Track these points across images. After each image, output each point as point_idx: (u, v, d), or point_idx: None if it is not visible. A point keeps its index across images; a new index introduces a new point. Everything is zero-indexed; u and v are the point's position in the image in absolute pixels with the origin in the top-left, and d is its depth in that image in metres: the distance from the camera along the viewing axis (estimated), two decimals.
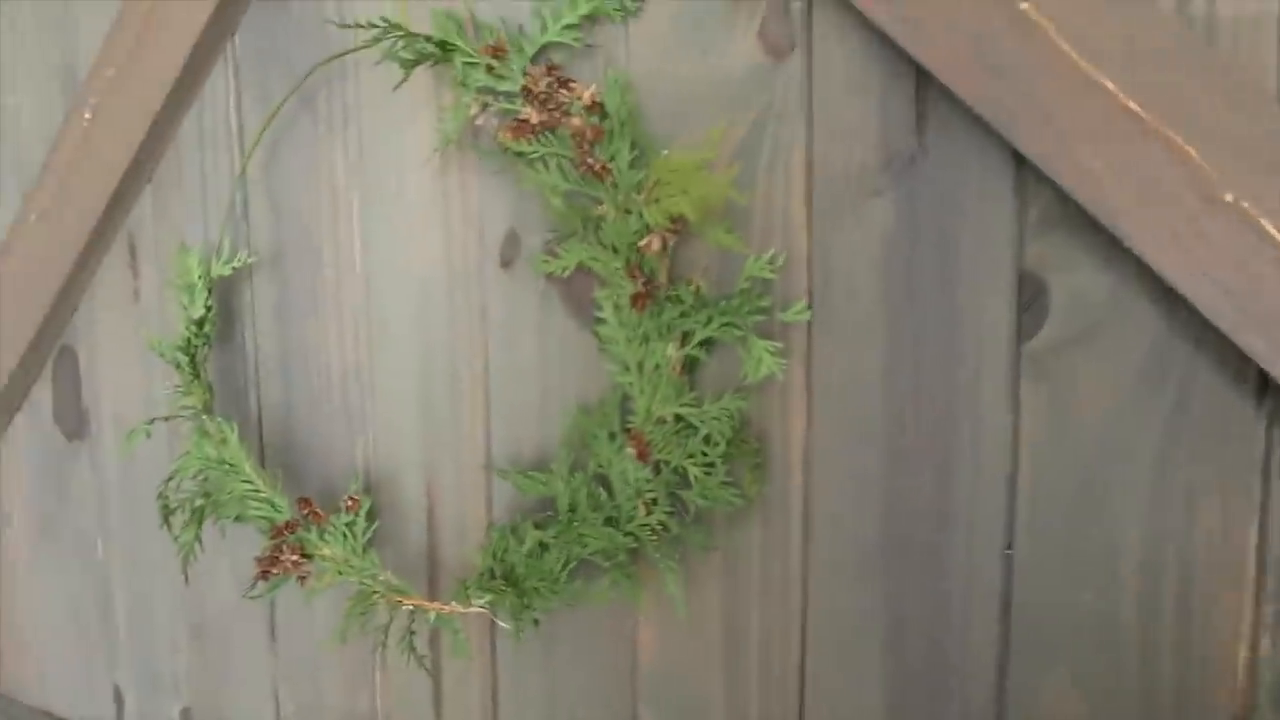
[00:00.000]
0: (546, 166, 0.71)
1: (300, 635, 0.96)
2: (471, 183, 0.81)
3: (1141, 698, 0.63)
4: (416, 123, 0.82)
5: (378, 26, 0.72)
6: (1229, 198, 0.54)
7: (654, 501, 0.71)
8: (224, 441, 0.84)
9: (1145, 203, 0.56)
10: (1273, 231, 0.53)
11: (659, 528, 0.70)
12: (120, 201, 0.98)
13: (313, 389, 0.91)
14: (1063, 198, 0.59)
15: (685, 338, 0.70)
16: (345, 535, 0.80)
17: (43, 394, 1.11)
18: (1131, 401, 0.61)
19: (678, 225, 0.68)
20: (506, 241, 0.80)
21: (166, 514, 0.83)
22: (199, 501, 0.82)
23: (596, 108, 0.69)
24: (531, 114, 0.70)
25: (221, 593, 1.01)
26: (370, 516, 0.81)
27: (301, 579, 0.80)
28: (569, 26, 0.72)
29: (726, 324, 0.68)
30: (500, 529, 0.77)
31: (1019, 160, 0.62)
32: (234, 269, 0.88)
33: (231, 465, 0.83)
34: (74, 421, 1.09)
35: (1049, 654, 0.65)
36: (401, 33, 0.73)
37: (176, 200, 0.97)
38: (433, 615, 0.78)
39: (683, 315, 0.69)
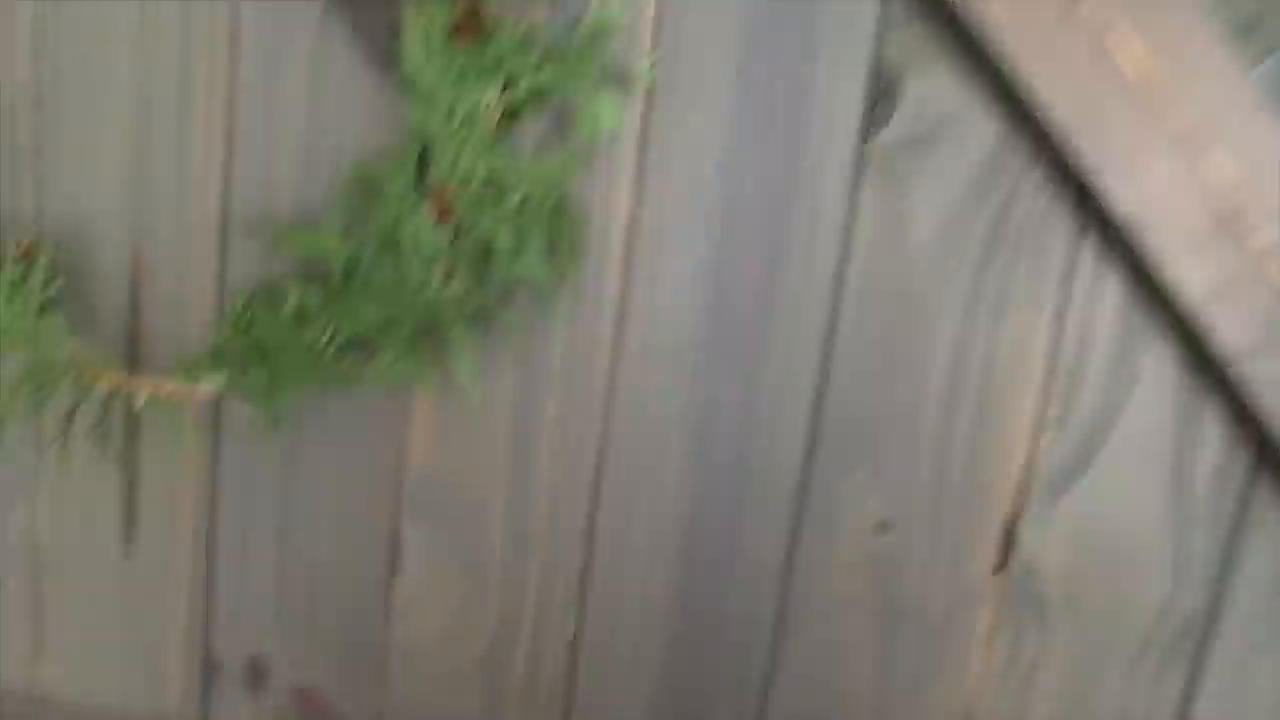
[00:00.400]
0: None
1: None
2: None
3: (931, 490, 0.66)
4: None
5: None
6: (1086, 10, 0.55)
7: (452, 270, 0.62)
8: None
9: (1015, 9, 0.56)
10: (1134, 47, 0.55)
11: (459, 299, 0.62)
12: None
13: None
14: None
15: (509, 84, 0.60)
16: (11, 293, 0.64)
17: None
18: (959, 209, 0.63)
19: None
20: None
21: None
22: None
23: None
24: None
25: None
26: (51, 270, 0.65)
27: None
28: None
29: (561, 73, 0.60)
30: (248, 292, 0.65)
31: None
32: None
33: None
34: None
35: (853, 451, 0.67)
36: None
37: None
38: (143, 397, 0.64)
39: (511, 54, 0.59)
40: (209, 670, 0.78)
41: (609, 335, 0.67)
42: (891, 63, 0.61)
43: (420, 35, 0.59)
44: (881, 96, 0.62)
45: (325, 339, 0.62)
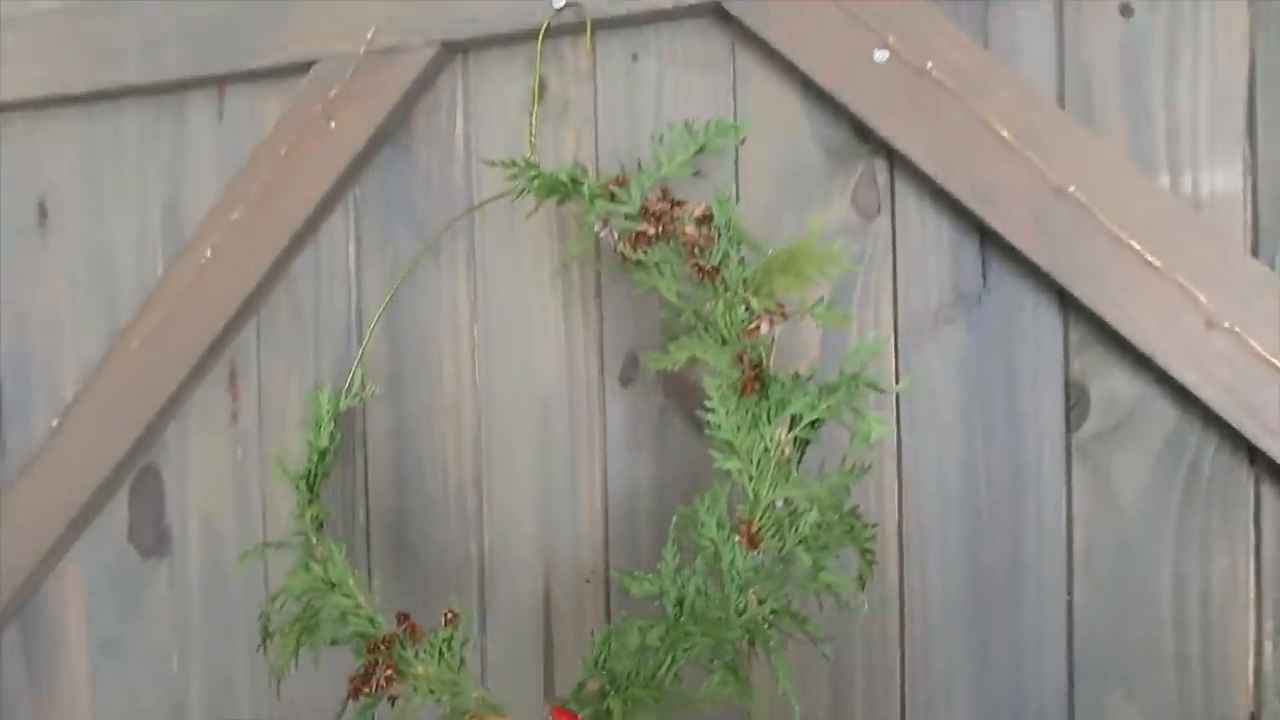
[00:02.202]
0: (661, 273, 0.77)
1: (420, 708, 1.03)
2: (592, 309, 0.96)
3: (1179, 701, 0.82)
4: (538, 265, 0.97)
5: (518, 165, 0.78)
6: (1226, 324, 0.76)
7: (765, 594, 0.73)
8: (330, 560, 0.83)
9: (1164, 328, 0.77)
10: (1256, 346, 0.75)
11: (771, 618, 0.71)
12: (226, 334, 1.06)
13: (428, 499, 1.02)
14: (1100, 325, 0.80)
15: (793, 421, 0.73)
16: (442, 652, 0.77)
17: (117, 514, 1.14)
18: (1156, 474, 0.82)
19: (785, 310, 0.73)
20: (627, 362, 0.95)
21: (266, 636, 0.82)
22: (300, 622, 0.80)
23: (706, 220, 0.76)
24: (648, 227, 0.76)
25: (314, 697, 1.06)
26: (466, 632, 0.79)
27: (393, 699, 0.75)
28: (683, 164, 0.79)
29: (833, 405, 0.72)
30: (604, 631, 0.75)
31: (1063, 296, 0.82)
32: (362, 401, 0.93)
33: (334, 584, 0.81)
34: (152, 540, 1.13)
35: (1107, 676, 0.83)
36: (537, 172, 0.79)
37: (286, 333, 1.06)
38: None
39: (790, 399, 0.72)
40: None
41: (896, 605, 0.88)
42: (1079, 375, 0.83)
43: (717, 394, 0.74)
44: (1077, 402, 0.83)
45: (664, 669, 0.70)
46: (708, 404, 0.73)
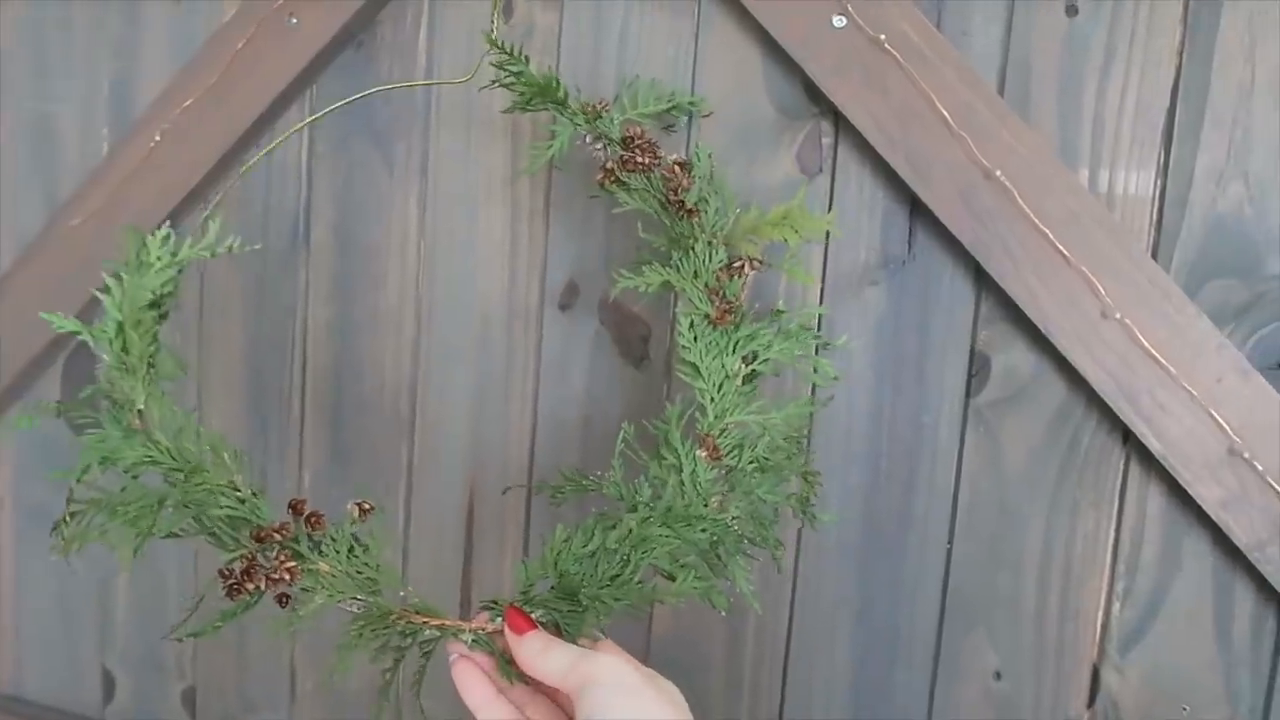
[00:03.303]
0: (647, 198, 0.81)
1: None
2: (539, 231, 0.99)
3: (1033, 648, 0.91)
4: (490, 179, 0.99)
5: (509, 54, 0.76)
6: (1118, 315, 0.83)
7: (724, 502, 0.76)
8: (185, 427, 0.64)
9: (1064, 312, 0.84)
10: (1143, 339, 0.82)
11: (734, 522, 0.75)
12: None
13: (364, 399, 1.05)
14: (1007, 301, 0.86)
15: (749, 358, 0.79)
16: (352, 548, 0.65)
17: (49, 389, 1.15)
18: (1041, 443, 0.89)
19: (763, 260, 0.80)
20: (567, 289, 0.98)
21: (61, 525, 0.61)
22: (139, 504, 0.61)
23: (686, 165, 0.81)
24: (637, 154, 0.80)
25: None
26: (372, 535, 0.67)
27: (283, 599, 0.62)
28: (645, 114, 0.86)
29: (785, 348, 0.80)
30: (564, 532, 0.71)
31: (978, 272, 0.88)
32: (211, 254, 0.67)
33: (188, 462, 0.63)
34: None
35: (973, 620, 0.92)
36: (522, 68, 0.78)
37: (233, 226, 1.07)
38: (468, 636, 0.66)
39: (753, 336, 0.79)
40: None
41: (793, 543, 0.95)
42: (984, 348, 0.90)
43: (687, 322, 0.79)
44: (979, 371, 0.90)
45: (627, 570, 0.70)
46: (679, 328, 0.79)
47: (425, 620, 0.65)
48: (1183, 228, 0.84)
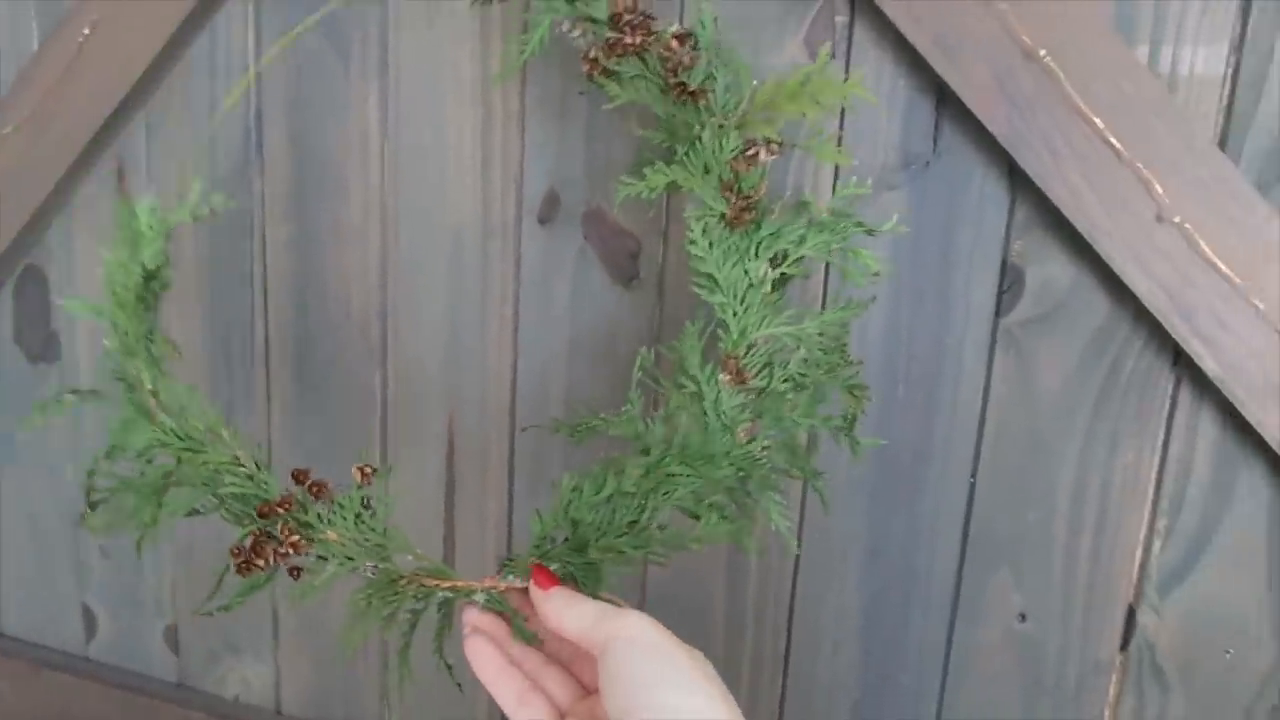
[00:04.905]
0: (637, 88, 0.68)
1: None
2: (513, 141, 0.87)
3: (1062, 589, 0.83)
4: (459, 78, 0.87)
5: None
6: (1176, 219, 0.71)
7: (754, 430, 0.66)
8: (188, 408, 0.64)
9: (1113, 216, 0.72)
10: (1204, 247, 0.71)
11: (764, 454, 0.65)
12: (112, 125, 0.96)
13: (331, 323, 0.96)
14: (1045, 205, 0.75)
15: (776, 260, 0.67)
16: (359, 514, 0.63)
17: (1, 310, 1.07)
18: (1077, 367, 0.79)
19: (781, 140, 0.66)
20: (546, 200, 0.88)
21: (90, 508, 0.64)
22: (150, 487, 0.63)
23: (687, 38, 0.67)
24: (625, 35, 0.67)
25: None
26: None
27: (295, 571, 0.62)
28: None
29: (822, 243, 0.66)
30: (574, 480, 0.64)
31: (1013, 171, 0.76)
32: (197, 217, 0.66)
33: (190, 437, 0.63)
34: (40, 344, 1.07)
35: (996, 560, 0.84)
36: None
37: (178, 134, 0.96)
38: (481, 596, 0.63)
39: (777, 235, 0.66)
40: None
41: (798, 492, 0.86)
42: (1017, 260, 0.79)
43: (699, 228, 0.66)
44: (1011, 286, 0.79)
45: (644, 516, 0.63)
46: (689, 235, 0.66)
47: (437, 583, 0.63)
48: (1257, 113, 0.72)
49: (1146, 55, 0.73)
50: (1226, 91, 0.72)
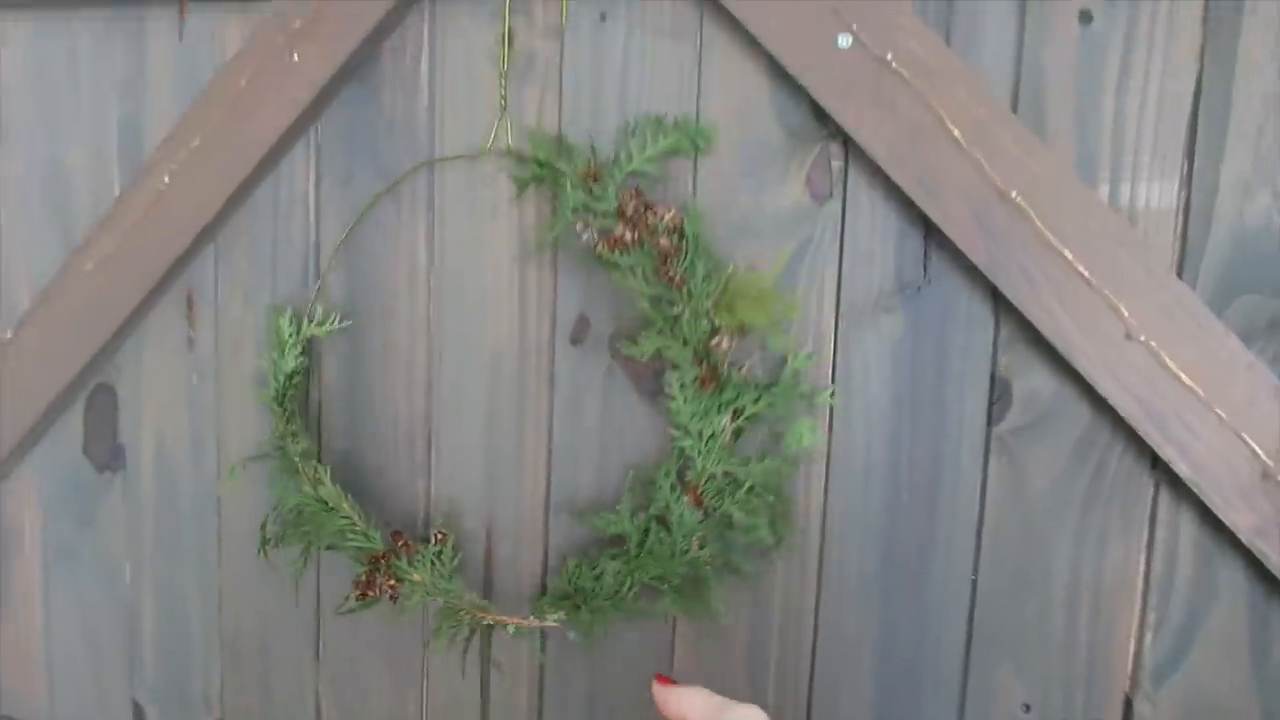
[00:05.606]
0: (634, 274, 0.88)
1: (344, 643, 1.09)
2: (546, 264, 0.97)
3: (1062, 679, 0.88)
4: (496, 217, 0.98)
5: (510, 152, 0.89)
6: (1143, 337, 0.80)
7: (704, 540, 0.89)
8: (319, 482, 0.98)
9: (1086, 335, 0.81)
10: (1169, 362, 0.79)
11: (710, 558, 0.89)
12: (184, 258, 1.07)
13: (379, 437, 1.05)
14: (1025, 324, 0.83)
15: (736, 414, 0.88)
16: (434, 563, 0.97)
17: (72, 427, 1.16)
18: (1065, 470, 0.86)
19: (742, 329, 0.87)
20: (578, 322, 0.97)
21: (264, 543, 1.01)
22: (303, 532, 0.97)
23: (677, 228, 0.87)
24: (625, 231, 0.87)
25: (261, 607, 1.11)
26: (455, 548, 0.99)
27: (394, 598, 0.96)
28: (651, 158, 0.90)
29: (772, 404, 0.88)
30: (575, 560, 0.94)
31: (996, 295, 0.85)
32: (327, 331, 1.02)
33: (327, 503, 0.98)
34: (107, 455, 1.16)
35: (1000, 652, 0.89)
36: (518, 157, 0.88)
37: (244, 265, 1.07)
38: (511, 628, 0.95)
39: (738, 395, 0.87)
40: None
41: (813, 581, 0.93)
42: (1004, 374, 0.87)
43: (678, 385, 0.88)
44: (1000, 397, 0.87)
45: (625, 588, 0.90)
46: (669, 392, 0.90)
47: (483, 615, 0.95)
48: (1208, 242, 0.81)
49: (1107, 193, 0.82)
50: (1180, 222, 0.81)
